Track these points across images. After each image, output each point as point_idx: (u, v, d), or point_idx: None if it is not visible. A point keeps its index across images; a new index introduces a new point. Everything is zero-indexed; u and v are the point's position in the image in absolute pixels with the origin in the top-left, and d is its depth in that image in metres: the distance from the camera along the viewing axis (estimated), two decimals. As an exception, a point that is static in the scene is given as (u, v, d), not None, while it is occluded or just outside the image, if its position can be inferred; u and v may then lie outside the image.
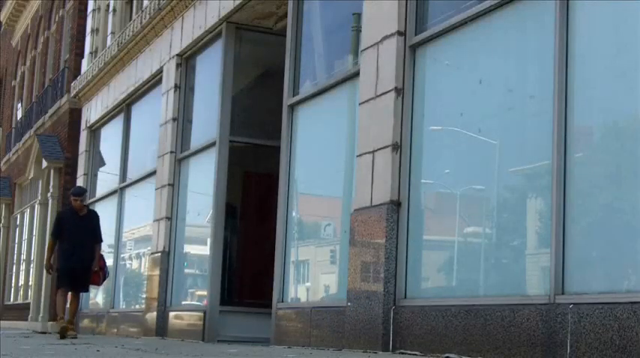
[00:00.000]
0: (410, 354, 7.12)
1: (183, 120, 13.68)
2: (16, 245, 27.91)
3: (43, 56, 25.69)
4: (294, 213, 10.11)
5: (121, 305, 16.42)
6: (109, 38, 18.18)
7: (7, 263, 28.79)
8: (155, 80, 15.00)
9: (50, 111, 22.53)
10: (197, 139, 13.27)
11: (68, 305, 12.70)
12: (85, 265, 12.26)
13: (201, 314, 11.85)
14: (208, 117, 12.72)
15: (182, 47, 13.55)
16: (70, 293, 12.52)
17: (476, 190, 7.48)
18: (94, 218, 12.69)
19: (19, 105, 29.23)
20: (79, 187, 13.88)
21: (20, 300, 26.10)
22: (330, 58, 10.08)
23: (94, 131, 19.02)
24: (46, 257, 12.94)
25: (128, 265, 16.65)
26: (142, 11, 15.04)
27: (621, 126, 5.92)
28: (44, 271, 22.28)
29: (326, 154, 9.70)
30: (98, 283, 12.86)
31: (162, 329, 13.14)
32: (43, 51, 25.72)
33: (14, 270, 27.88)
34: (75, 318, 12.49)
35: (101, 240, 12.68)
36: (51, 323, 20.21)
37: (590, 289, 5.82)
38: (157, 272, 13.50)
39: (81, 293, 13.10)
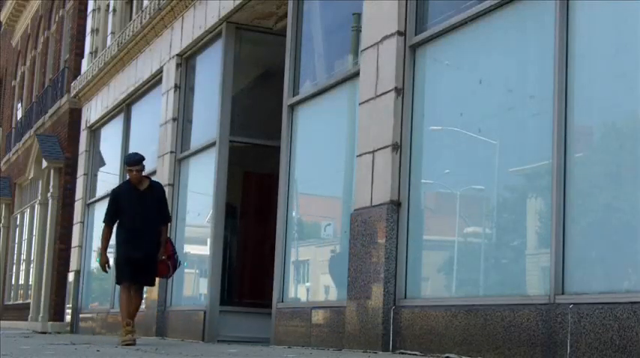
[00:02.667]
0: (410, 354, 7.12)
1: (183, 120, 13.68)
2: (16, 245, 27.91)
3: (43, 56, 25.69)
4: (294, 213, 10.11)
5: (121, 305, 16.38)
6: (109, 38, 18.18)
7: (7, 263, 28.79)
8: (155, 80, 15.00)
9: (50, 111, 22.53)
10: (197, 139, 13.27)
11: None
12: (149, 253, 9.96)
13: (201, 314, 11.85)
14: (208, 117, 12.71)
15: (182, 47, 13.55)
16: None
17: (476, 190, 7.48)
18: (158, 192, 10.22)
19: (19, 105, 29.23)
20: (135, 153, 10.29)
21: (20, 300, 26.10)
22: (330, 58, 10.08)
23: (94, 131, 19.02)
24: (100, 248, 10.33)
25: (128, 265, 16.60)
26: (142, 11, 15.04)
27: (621, 126, 5.92)
28: (40, 273, 22.46)
29: (326, 154, 9.70)
30: (167, 275, 10.50)
31: (162, 329, 13.14)
32: (43, 51, 25.71)
33: (14, 270, 27.88)
34: (134, 320, 10.00)
35: (169, 220, 10.46)
36: (51, 323, 20.22)
37: (590, 289, 5.83)
38: (157, 272, 13.46)
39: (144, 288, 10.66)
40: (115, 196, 10.20)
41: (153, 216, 9.97)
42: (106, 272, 10.49)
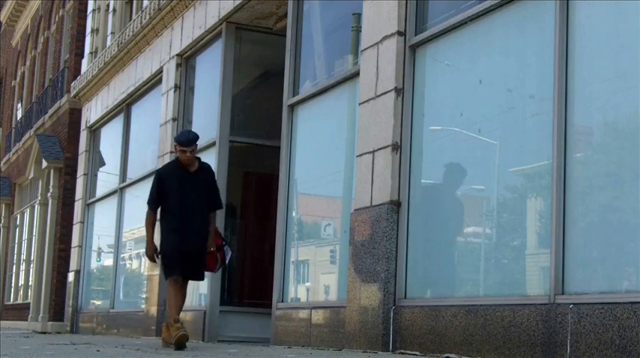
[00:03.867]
0: (410, 354, 7.12)
1: (183, 120, 13.68)
2: (16, 245, 27.92)
3: (43, 56, 25.69)
4: (294, 213, 10.11)
5: (121, 305, 16.41)
6: (109, 38, 18.18)
7: (7, 263, 28.80)
8: (155, 80, 15.00)
9: (50, 111, 22.53)
10: (197, 139, 13.25)
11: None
12: (201, 245, 8.92)
13: (201, 314, 11.85)
14: (208, 117, 12.72)
15: (182, 47, 13.55)
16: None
17: (476, 190, 7.48)
18: (208, 174, 9.09)
19: (19, 105, 29.23)
20: (188, 131, 9.09)
21: (20, 300, 26.10)
22: (330, 58, 10.08)
23: (94, 131, 19.02)
24: (147, 237, 9.12)
25: (128, 265, 16.65)
26: (142, 11, 15.04)
27: (621, 126, 5.92)
28: (40, 273, 22.47)
29: (326, 154, 9.70)
30: (213, 268, 9.25)
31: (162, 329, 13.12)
32: (43, 51, 25.71)
33: (14, 270, 27.88)
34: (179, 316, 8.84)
35: (220, 206, 9.25)
36: (51, 323, 20.23)
37: (590, 289, 5.83)
38: (157, 272, 13.48)
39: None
40: (161, 178, 8.93)
41: (203, 201, 8.84)
42: (155, 262, 9.28)
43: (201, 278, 9.31)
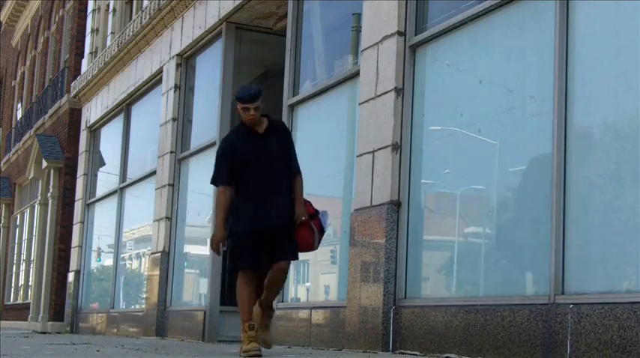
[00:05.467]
0: (410, 354, 7.12)
1: (183, 120, 13.68)
2: (16, 245, 27.92)
3: (43, 56, 25.69)
4: (294, 213, 10.09)
5: (121, 305, 16.42)
6: (109, 38, 18.18)
7: (7, 263, 28.80)
8: (155, 80, 15.00)
9: (50, 111, 22.54)
10: (197, 139, 13.27)
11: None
12: (282, 220, 7.08)
13: (201, 314, 11.85)
14: (208, 117, 12.72)
15: (182, 47, 13.55)
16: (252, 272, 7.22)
17: (476, 190, 7.48)
18: (282, 134, 7.39)
19: (19, 105, 29.23)
20: (249, 86, 7.30)
21: (20, 300, 26.10)
22: (330, 58, 10.08)
23: (94, 131, 19.03)
24: (217, 220, 7.32)
25: (128, 265, 16.65)
26: (142, 11, 15.04)
27: (621, 126, 5.91)
28: (40, 273, 22.45)
29: (326, 154, 9.70)
30: (311, 241, 7.22)
31: (162, 329, 13.14)
32: (43, 51, 25.72)
33: (14, 270, 27.88)
34: (270, 313, 7.45)
35: (296, 172, 7.34)
36: (51, 323, 20.22)
37: (590, 289, 5.83)
38: (156, 272, 13.50)
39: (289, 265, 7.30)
40: (225, 147, 7.26)
41: (280, 167, 7.17)
42: (219, 254, 7.47)
43: (296, 257, 7.22)
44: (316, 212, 7.26)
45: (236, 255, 7.13)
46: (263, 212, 7.02)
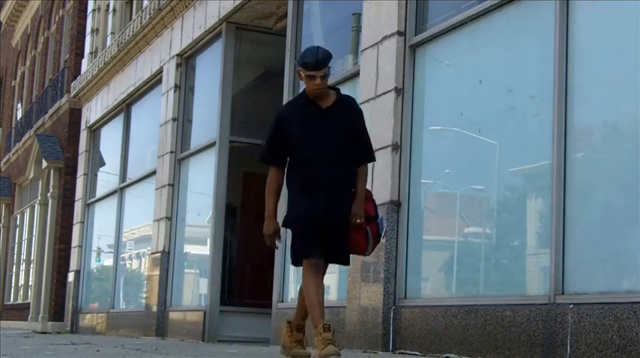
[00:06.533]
0: (410, 354, 7.12)
1: (183, 120, 13.68)
2: (16, 245, 27.92)
3: (43, 56, 25.70)
4: (294, 213, 10.09)
5: (121, 305, 16.42)
6: (109, 38, 18.19)
7: (7, 263, 28.80)
8: (155, 80, 15.00)
9: (50, 111, 22.54)
10: (197, 139, 13.28)
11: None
12: (340, 217, 6.02)
13: (201, 314, 11.85)
14: (208, 117, 12.72)
15: (182, 47, 13.55)
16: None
17: (476, 190, 7.48)
18: (352, 111, 6.15)
19: (19, 105, 29.24)
20: (316, 48, 6.13)
21: (20, 300, 26.10)
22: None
23: (94, 131, 19.03)
24: (267, 208, 6.33)
25: (128, 265, 16.65)
26: (142, 11, 15.04)
27: (621, 126, 5.92)
28: (40, 273, 22.45)
29: (326, 154, 9.68)
30: (364, 247, 6.14)
31: (162, 329, 13.14)
32: (43, 51, 25.72)
33: (14, 270, 27.89)
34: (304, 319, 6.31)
35: (372, 157, 6.29)
36: (51, 323, 20.23)
37: (590, 289, 5.83)
38: (157, 272, 13.50)
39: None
40: (282, 121, 6.11)
41: (345, 149, 6.02)
42: (277, 247, 6.53)
43: (346, 262, 6.24)
44: (376, 215, 6.17)
45: (300, 243, 6.00)
46: (322, 203, 5.92)
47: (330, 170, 5.95)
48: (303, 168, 6.03)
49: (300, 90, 6.46)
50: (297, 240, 6.05)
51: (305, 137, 5.97)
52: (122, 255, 16.72)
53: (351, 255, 6.18)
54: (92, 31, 19.20)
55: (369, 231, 6.08)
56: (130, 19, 17.07)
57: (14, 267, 27.95)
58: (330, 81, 9.51)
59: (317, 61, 5.90)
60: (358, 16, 9.09)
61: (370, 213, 6.11)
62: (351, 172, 6.05)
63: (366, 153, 6.14)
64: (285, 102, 10.26)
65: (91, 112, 18.96)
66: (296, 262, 6.11)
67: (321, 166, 5.96)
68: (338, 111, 6.03)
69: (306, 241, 5.98)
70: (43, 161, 21.33)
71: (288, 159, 6.12)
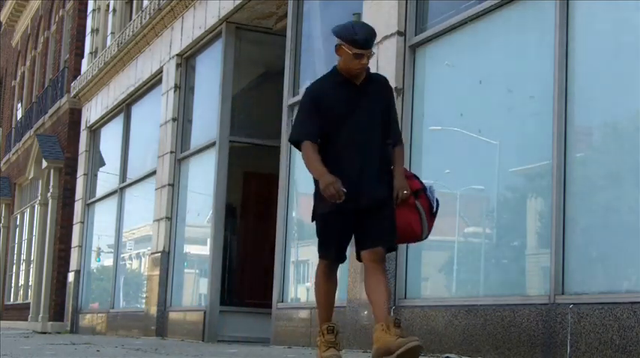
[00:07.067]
0: (410, 354, 7.11)
1: (183, 120, 13.68)
2: (16, 245, 27.92)
3: (43, 56, 25.70)
4: (294, 213, 10.11)
5: (121, 305, 16.42)
6: (109, 38, 18.19)
7: (7, 263, 28.80)
8: (155, 80, 15.00)
9: (50, 111, 22.54)
10: (197, 139, 13.28)
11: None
12: (377, 196, 5.52)
13: (201, 314, 11.85)
14: (208, 117, 12.72)
15: (182, 47, 13.55)
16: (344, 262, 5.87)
17: (476, 190, 7.48)
18: (385, 90, 5.77)
19: (19, 105, 29.24)
20: (362, 24, 5.85)
21: (20, 300, 26.10)
22: (330, 58, 10.06)
23: (94, 131, 19.03)
24: (317, 171, 5.51)
25: (128, 265, 16.66)
26: (142, 11, 15.04)
27: (621, 126, 5.92)
28: (40, 273, 22.42)
29: (326, 154, 9.68)
30: (418, 230, 5.63)
31: (162, 329, 13.14)
32: (43, 51, 25.72)
33: (14, 270, 27.89)
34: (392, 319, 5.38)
35: (399, 140, 5.79)
36: (51, 323, 20.23)
37: (590, 289, 5.83)
38: (156, 272, 13.50)
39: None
40: (314, 97, 5.70)
41: (378, 132, 5.62)
42: (342, 197, 5.37)
43: (389, 246, 5.61)
44: (424, 187, 5.67)
45: (322, 241, 5.67)
46: (354, 187, 5.43)
47: (365, 151, 5.54)
48: (335, 149, 5.55)
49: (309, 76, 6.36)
50: (320, 238, 5.68)
51: (339, 115, 5.57)
52: (122, 255, 16.72)
53: (407, 244, 5.58)
54: (92, 31, 19.20)
55: (419, 206, 5.59)
56: (130, 19, 17.07)
57: (14, 267, 27.95)
58: (330, 81, 9.55)
59: (367, 40, 5.52)
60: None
61: (417, 186, 5.66)
62: (386, 153, 5.63)
63: (393, 135, 5.71)
64: (285, 102, 10.26)
65: (91, 112, 18.96)
66: (322, 256, 5.74)
67: (356, 146, 5.53)
68: (371, 89, 5.66)
69: (323, 241, 5.65)
70: (43, 161, 21.33)
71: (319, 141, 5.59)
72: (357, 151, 5.52)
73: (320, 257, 5.70)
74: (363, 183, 5.47)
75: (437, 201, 5.70)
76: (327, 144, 5.56)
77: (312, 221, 5.72)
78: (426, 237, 5.70)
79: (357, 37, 5.49)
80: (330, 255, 5.66)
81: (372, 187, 5.49)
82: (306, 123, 5.64)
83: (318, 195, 5.56)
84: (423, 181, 5.78)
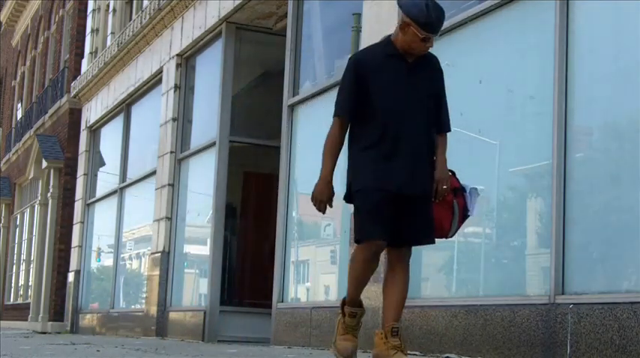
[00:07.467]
0: (410, 354, 7.11)
1: (183, 120, 13.68)
2: (16, 245, 27.92)
3: (43, 56, 25.70)
4: (294, 213, 10.11)
5: (121, 305, 16.42)
6: (109, 38, 18.19)
7: (7, 263, 28.80)
8: (155, 80, 15.00)
9: (50, 111, 22.54)
10: (197, 139, 13.28)
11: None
12: (423, 187, 5.14)
13: (201, 314, 11.85)
14: (208, 117, 12.72)
15: (182, 47, 13.55)
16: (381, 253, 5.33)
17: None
18: (437, 71, 5.33)
19: (19, 105, 29.24)
20: (438, 7, 5.13)
21: (20, 300, 26.10)
22: (330, 58, 10.07)
23: (94, 131, 19.03)
24: (324, 166, 5.41)
25: (128, 265, 16.66)
26: (142, 11, 15.04)
27: (621, 126, 5.92)
28: (40, 273, 22.42)
29: (326, 154, 9.67)
30: (447, 226, 5.29)
31: (162, 329, 13.14)
32: (43, 51, 25.72)
33: (14, 270, 27.89)
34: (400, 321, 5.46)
35: (448, 126, 5.34)
36: (51, 323, 20.23)
37: (590, 289, 5.83)
38: (157, 272, 13.50)
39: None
40: (360, 69, 5.19)
41: (428, 116, 5.21)
42: (324, 213, 5.30)
43: (432, 240, 5.28)
44: (462, 187, 5.32)
45: (367, 220, 5.07)
46: (403, 169, 5.03)
47: (414, 131, 5.09)
48: (383, 125, 5.07)
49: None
50: (363, 216, 5.08)
51: (389, 91, 5.09)
52: (122, 255, 16.72)
53: (442, 233, 5.29)
54: (92, 31, 19.20)
55: (455, 206, 5.24)
56: (130, 19, 17.07)
57: (14, 267, 27.95)
58: (330, 81, 9.56)
59: (440, 25, 5.12)
60: (358, 16, 9.08)
61: (455, 184, 5.28)
62: (433, 140, 5.21)
63: (442, 120, 5.27)
64: (285, 102, 10.26)
65: (91, 112, 18.96)
66: (359, 240, 5.20)
67: (405, 126, 5.07)
68: (424, 68, 5.22)
69: (373, 219, 5.03)
70: (43, 161, 21.33)
71: (360, 116, 5.16)
72: (403, 132, 5.07)
73: (360, 240, 5.12)
74: (409, 170, 5.05)
75: (474, 204, 5.34)
76: (368, 118, 5.13)
77: (348, 202, 5.25)
78: (452, 236, 5.40)
79: (430, 21, 5.04)
80: (376, 232, 5.02)
81: (419, 176, 5.09)
82: (341, 97, 5.24)
83: (360, 169, 5.13)
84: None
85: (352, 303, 5.42)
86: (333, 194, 5.20)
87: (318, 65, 10.24)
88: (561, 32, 6.25)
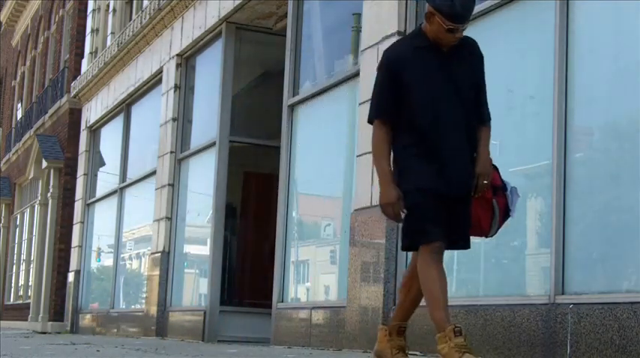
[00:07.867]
0: (410, 354, 7.11)
1: (183, 120, 13.68)
2: (16, 245, 27.92)
3: (43, 56, 25.70)
4: (294, 213, 10.11)
5: (121, 305, 16.42)
6: (109, 38, 18.19)
7: (7, 263, 28.80)
8: (155, 80, 15.00)
9: (50, 111, 22.54)
10: (197, 139, 13.28)
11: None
12: (465, 186, 4.89)
13: (201, 314, 11.85)
14: (208, 117, 12.72)
15: (182, 47, 13.55)
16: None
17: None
18: (476, 59, 5.04)
19: (19, 105, 29.24)
20: None
21: (20, 300, 26.11)
22: (330, 58, 10.07)
23: (94, 131, 19.03)
24: (381, 172, 4.90)
25: (128, 265, 16.66)
26: (142, 11, 15.04)
27: (621, 126, 5.92)
28: (40, 273, 22.41)
29: (326, 154, 9.70)
30: (487, 226, 4.99)
31: (162, 329, 13.14)
32: (43, 51, 25.72)
33: (14, 270, 27.89)
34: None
35: (488, 117, 5.11)
36: (51, 323, 20.23)
37: (590, 289, 5.83)
38: (157, 272, 13.50)
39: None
40: (396, 67, 4.90)
41: (472, 105, 4.96)
42: (400, 220, 4.95)
43: (468, 245, 5.06)
44: (504, 185, 5.03)
45: (422, 223, 4.81)
46: (450, 169, 4.81)
47: (451, 127, 4.82)
48: (424, 125, 4.81)
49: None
50: (416, 219, 4.81)
51: (421, 85, 4.82)
52: (122, 255, 16.72)
53: (475, 236, 5.04)
54: (92, 31, 19.20)
55: (495, 205, 4.94)
56: (130, 19, 17.07)
57: (14, 267, 27.96)
58: (330, 81, 9.56)
59: (466, 15, 4.81)
60: (358, 16, 9.09)
61: (496, 182, 4.99)
62: (475, 133, 4.95)
63: (481, 111, 5.02)
64: (285, 102, 10.26)
65: (91, 112, 18.96)
66: (411, 246, 4.99)
67: (447, 123, 4.82)
68: (461, 57, 4.92)
69: (428, 220, 4.76)
70: (43, 161, 21.33)
71: (401, 114, 4.88)
72: (444, 128, 4.80)
73: (423, 243, 4.80)
74: (453, 167, 4.80)
75: (515, 203, 5.04)
76: (408, 117, 4.84)
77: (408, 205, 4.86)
78: (493, 236, 5.10)
79: (455, 11, 4.75)
80: (437, 233, 4.75)
81: (464, 173, 4.84)
82: (378, 99, 4.97)
83: (406, 170, 4.85)
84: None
85: (447, 319, 4.85)
86: (400, 194, 4.79)
87: (318, 65, 10.24)
88: (561, 32, 6.25)
